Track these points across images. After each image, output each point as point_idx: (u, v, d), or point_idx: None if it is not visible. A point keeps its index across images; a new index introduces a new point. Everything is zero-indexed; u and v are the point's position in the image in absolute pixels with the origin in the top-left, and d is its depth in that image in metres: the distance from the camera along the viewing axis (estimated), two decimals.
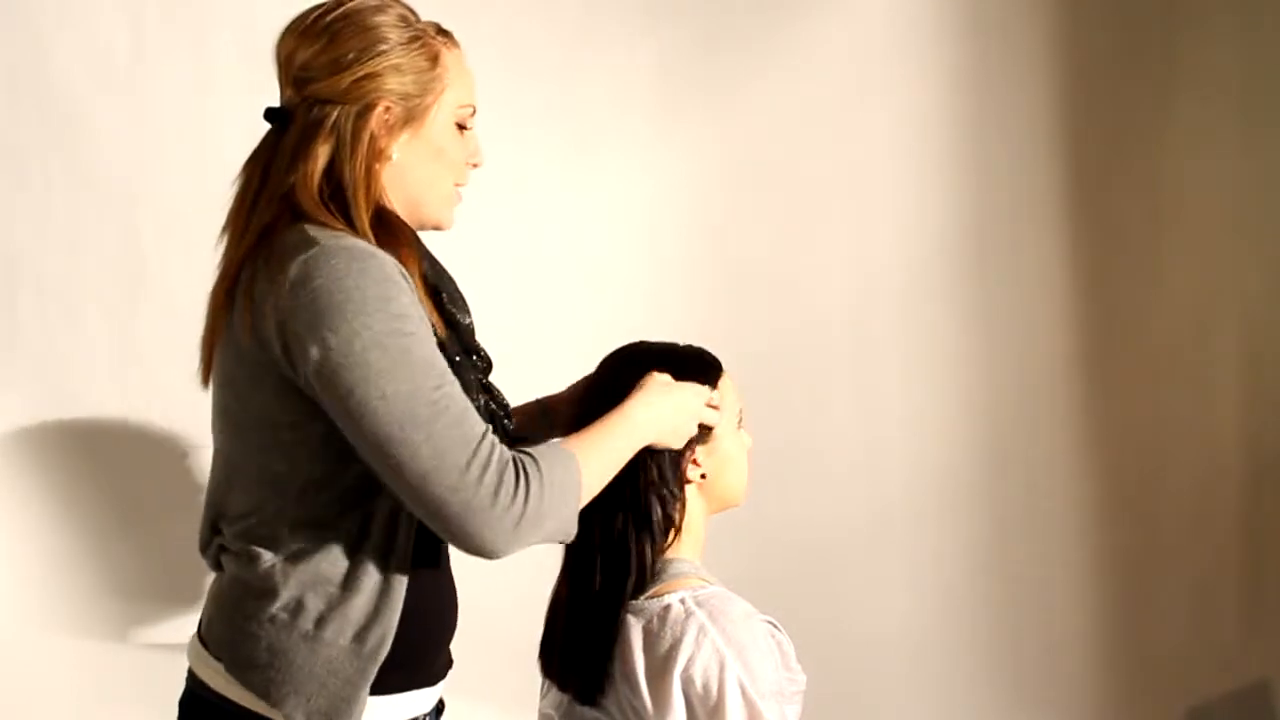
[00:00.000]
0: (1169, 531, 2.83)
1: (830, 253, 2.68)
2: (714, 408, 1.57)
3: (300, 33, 1.40)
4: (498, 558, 1.31)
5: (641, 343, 1.63)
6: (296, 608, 1.35)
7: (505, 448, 1.32)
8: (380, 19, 1.40)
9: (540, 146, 2.46)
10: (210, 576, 1.51)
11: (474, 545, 1.29)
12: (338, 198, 1.36)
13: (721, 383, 1.60)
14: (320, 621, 1.35)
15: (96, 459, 2.35)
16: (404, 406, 1.26)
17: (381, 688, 1.39)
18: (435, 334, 1.36)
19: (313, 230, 1.32)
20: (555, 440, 1.41)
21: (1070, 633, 2.82)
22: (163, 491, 2.36)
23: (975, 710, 2.79)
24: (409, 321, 1.29)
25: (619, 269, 2.61)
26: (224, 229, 1.43)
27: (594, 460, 1.40)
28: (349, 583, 1.36)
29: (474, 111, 1.48)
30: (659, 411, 1.49)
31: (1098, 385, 2.78)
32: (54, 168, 2.27)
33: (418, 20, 1.45)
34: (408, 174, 1.43)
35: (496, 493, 1.27)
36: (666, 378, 1.54)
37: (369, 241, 1.34)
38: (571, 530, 1.37)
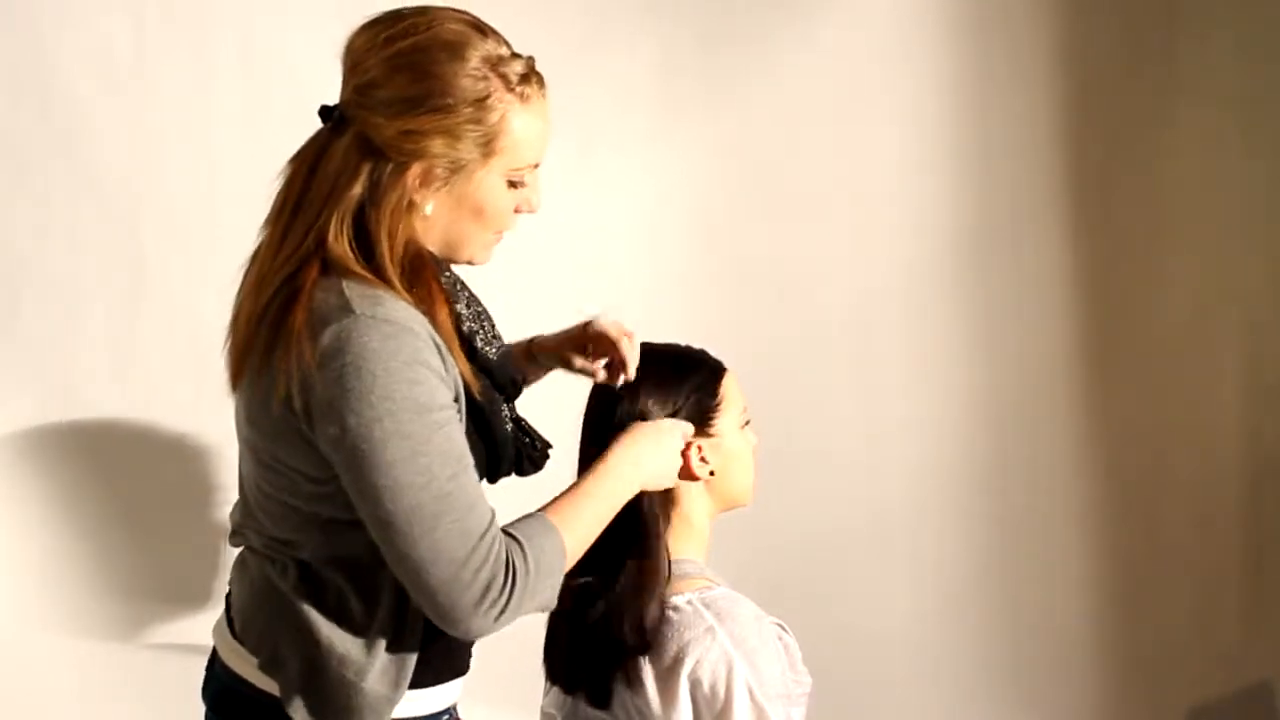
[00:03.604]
0: (1169, 531, 2.83)
1: (831, 253, 2.68)
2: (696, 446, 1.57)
3: (372, 46, 1.33)
4: (474, 640, 1.36)
5: (644, 347, 1.63)
6: (328, 644, 1.36)
7: (503, 541, 1.31)
8: (454, 67, 1.31)
9: None
10: (224, 554, 1.51)
11: (456, 630, 1.31)
12: (365, 246, 1.33)
13: (724, 382, 1.61)
14: (344, 661, 1.35)
15: (97, 459, 2.35)
16: (413, 499, 1.27)
17: (423, 682, 1.41)
18: (467, 387, 1.36)
19: (349, 290, 1.30)
20: (540, 513, 1.39)
21: (1070, 632, 2.82)
22: (164, 491, 2.36)
23: (975, 710, 2.79)
24: (433, 407, 1.28)
25: (619, 269, 2.61)
26: (265, 224, 1.39)
27: (579, 529, 1.40)
28: (375, 623, 1.36)
29: (536, 166, 1.40)
30: (640, 462, 1.48)
31: (1098, 385, 2.78)
32: (55, 168, 2.27)
33: (504, 61, 1.34)
34: (439, 225, 1.38)
35: (487, 590, 1.29)
36: (652, 424, 1.53)
37: (401, 291, 1.32)
38: (551, 605, 1.38)
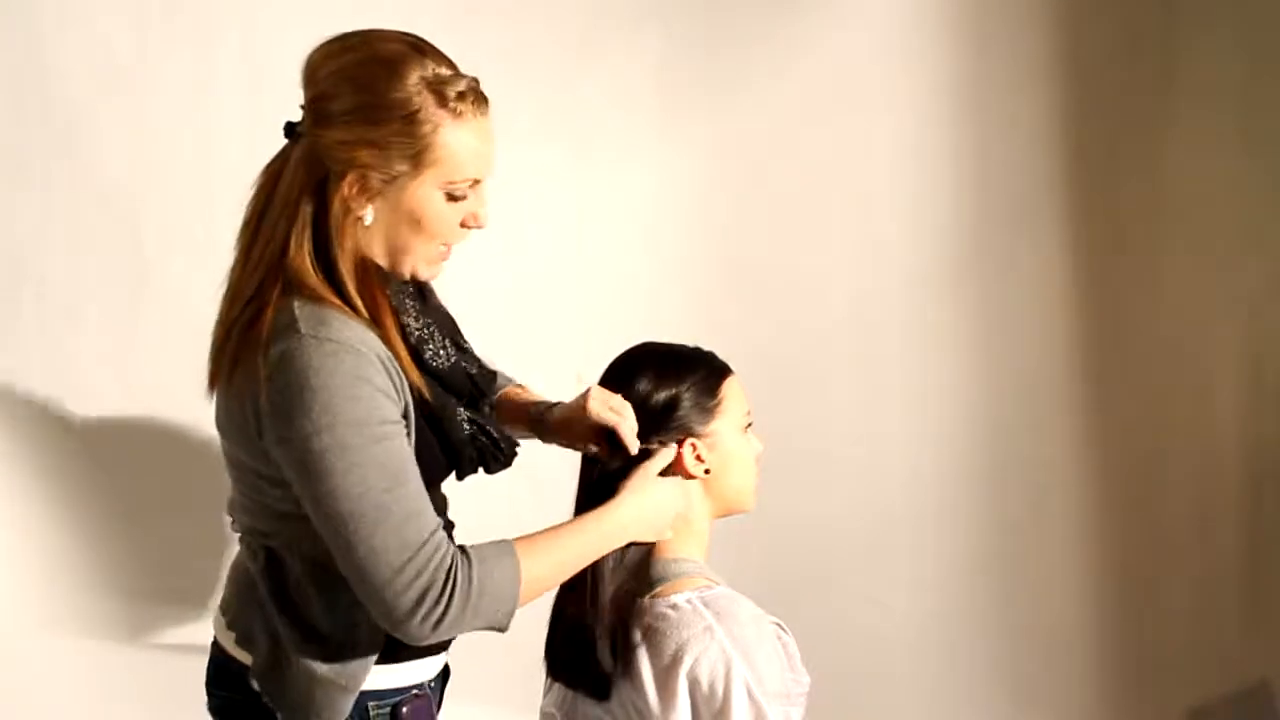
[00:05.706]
0: (1169, 531, 2.83)
1: (831, 253, 2.68)
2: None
3: (328, 55, 1.41)
4: (416, 644, 1.39)
5: (649, 344, 1.63)
6: (288, 630, 1.44)
7: (449, 551, 1.37)
8: (388, 83, 1.37)
9: (541, 146, 2.46)
10: (224, 555, 1.57)
11: (396, 633, 1.37)
12: (323, 257, 1.40)
13: (726, 383, 1.60)
14: (302, 649, 1.43)
15: (98, 458, 2.35)
16: (351, 507, 1.33)
17: (399, 656, 1.49)
18: (420, 395, 1.43)
19: (299, 309, 1.36)
20: (508, 540, 1.44)
21: (1071, 633, 2.82)
22: (164, 490, 2.36)
23: (975, 710, 2.79)
24: (372, 421, 1.34)
25: (619, 269, 2.61)
26: (237, 238, 1.46)
27: (547, 566, 1.44)
28: (334, 615, 1.43)
29: (474, 183, 1.44)
30: (627, 526, 1.51)
31: (1098, 385, 2.78)
32: (55, 168, 2.27)
33: (441, 80, 1.39)
34: (380, 234, 1.43)
35: (421, 599, 1.34)
36: (654, 482, 1.54)
37: (354, 306, 1.39)
38: (504, 626, 1.42)
